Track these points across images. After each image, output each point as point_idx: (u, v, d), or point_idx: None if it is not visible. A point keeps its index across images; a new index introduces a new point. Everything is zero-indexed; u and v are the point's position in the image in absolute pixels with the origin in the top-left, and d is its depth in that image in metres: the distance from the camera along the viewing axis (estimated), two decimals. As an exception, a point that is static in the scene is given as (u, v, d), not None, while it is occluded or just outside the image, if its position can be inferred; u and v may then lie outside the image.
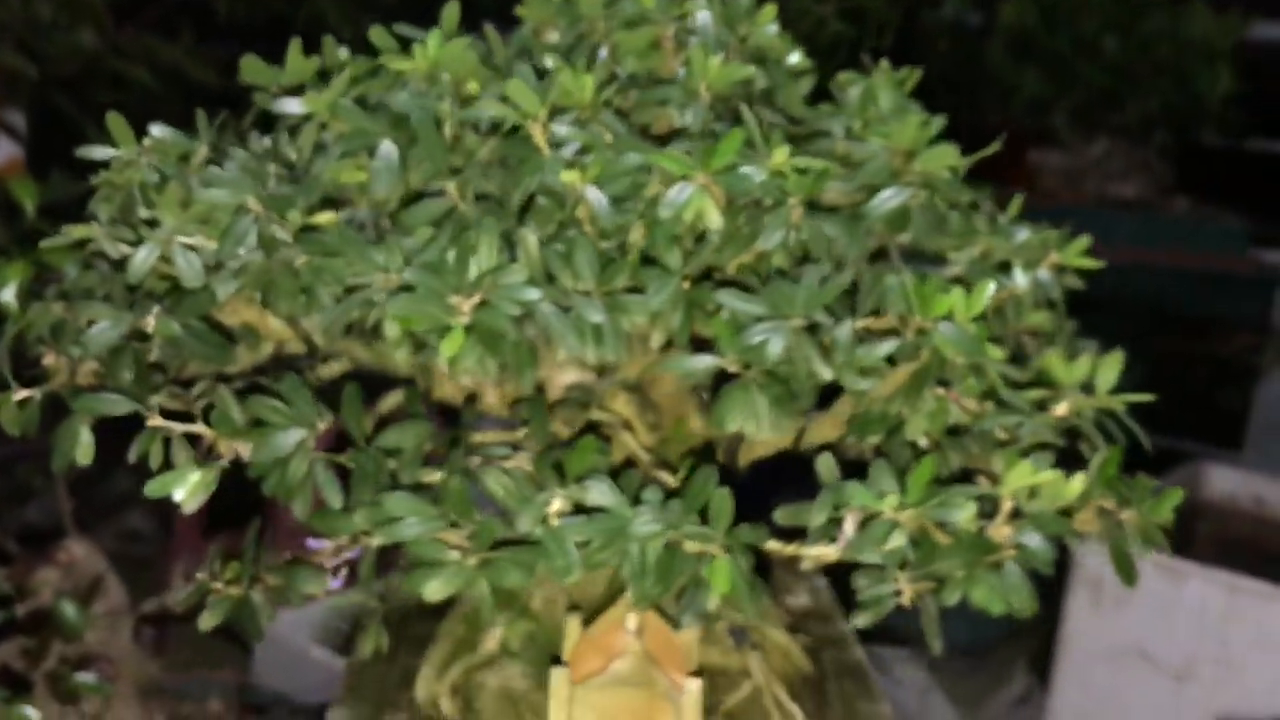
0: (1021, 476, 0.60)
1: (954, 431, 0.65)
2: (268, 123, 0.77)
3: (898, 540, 0.58)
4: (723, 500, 0.59)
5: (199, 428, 0.63)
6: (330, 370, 0.72)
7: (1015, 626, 2.31)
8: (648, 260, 0.62)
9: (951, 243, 0.70)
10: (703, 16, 0.71)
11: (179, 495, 0.61)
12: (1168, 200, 2.55)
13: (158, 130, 0.71)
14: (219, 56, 2.01)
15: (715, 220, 0.60)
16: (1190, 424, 3.12)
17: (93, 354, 0.65)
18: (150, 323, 0.64)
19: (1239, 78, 2.48)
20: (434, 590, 0.58)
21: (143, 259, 0.64)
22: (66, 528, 1.35)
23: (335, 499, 0.61)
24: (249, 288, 0.64)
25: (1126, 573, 0.64)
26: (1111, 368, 0.65)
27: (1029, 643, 2.39)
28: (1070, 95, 2.41)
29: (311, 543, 0.64)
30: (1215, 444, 3.00)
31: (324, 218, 0.63)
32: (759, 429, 0.61)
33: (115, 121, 0.70)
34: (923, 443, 0.65)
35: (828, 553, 0.61)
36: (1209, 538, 2.54)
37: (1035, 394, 0.66)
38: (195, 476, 0.62)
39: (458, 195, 0.63)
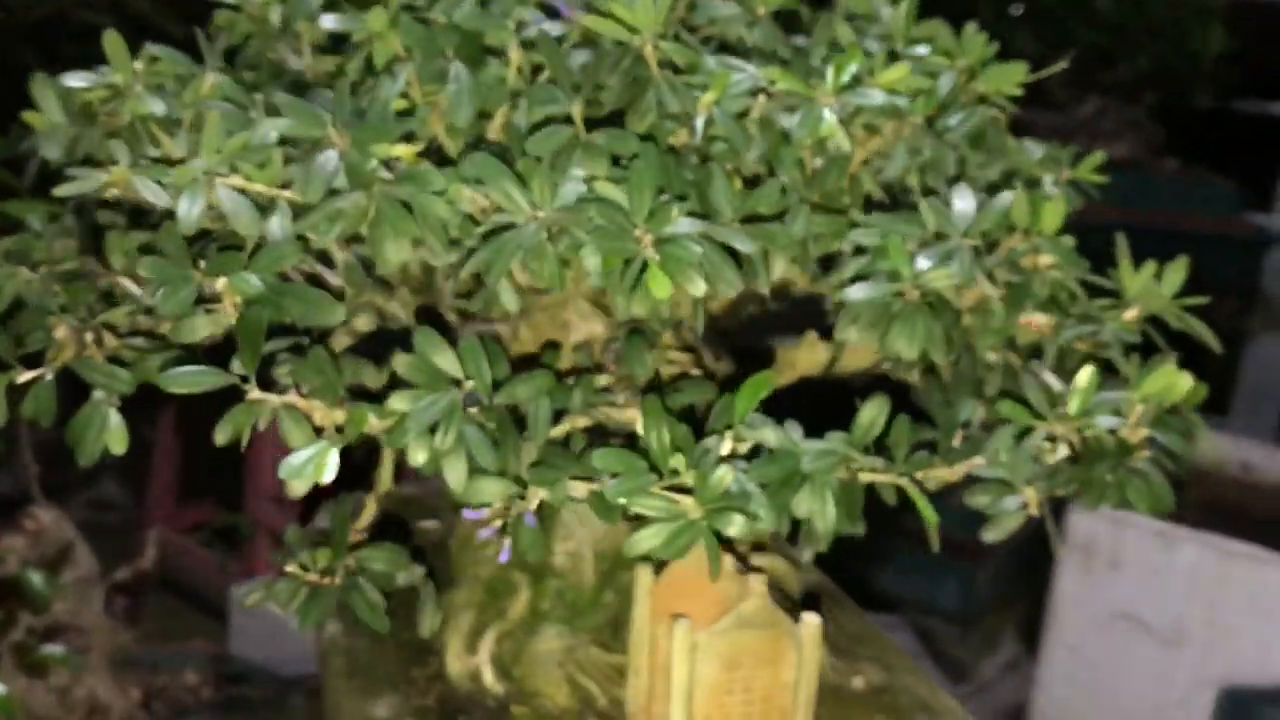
0: (1158, 380, 0.60)
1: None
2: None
3: (1061, 453, 0.60)
4: (903, 430, 0.60)
5: (297, 399, 0.55)
6: (361, 325, 0.66)
7: (1004, 593, 2.29)
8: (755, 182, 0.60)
9: (984, 159, 0.67)
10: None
11: (325, 478, 0.54)
12: (1159, 161, 2.52)
13: (157, 51, 0.62)
14: (187, 4, 1.95)
15: (845, 142, 0.58)
16: (1178, 389, 3.11)
17: (166, 317, 0.56)
18: (222, 283, 0.53)
19: (1232, 38, 2.45)
20: (661, 548, 0.54)
21: (188, 208, 0.53)
22: (34, 495, 1.29)
23: (488, 460, 0.55)
24: (349, 230, 0.54)
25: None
26: (1177, 273, 0.66)
27: (1018, 609, 2.37)
28: (1062, 54, 2.37)
29: (469, 513, 0.57)
30: (1202, 409, 2.99)
31: (402, 150, 0.54)
32: (912, 352, 0.59)
33: (113, 41, 0.61)
34: (992, 359, 0.65)
35: (979, 467, 0.62)
36: (1197, 503, 2.53)
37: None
38: (332, 453, 0.55)
39: (580, 121, 0.57)
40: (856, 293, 0.59)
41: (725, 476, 0.54)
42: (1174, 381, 0.60)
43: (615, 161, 0.56)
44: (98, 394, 0.57)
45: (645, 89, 0.57)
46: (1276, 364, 2.94)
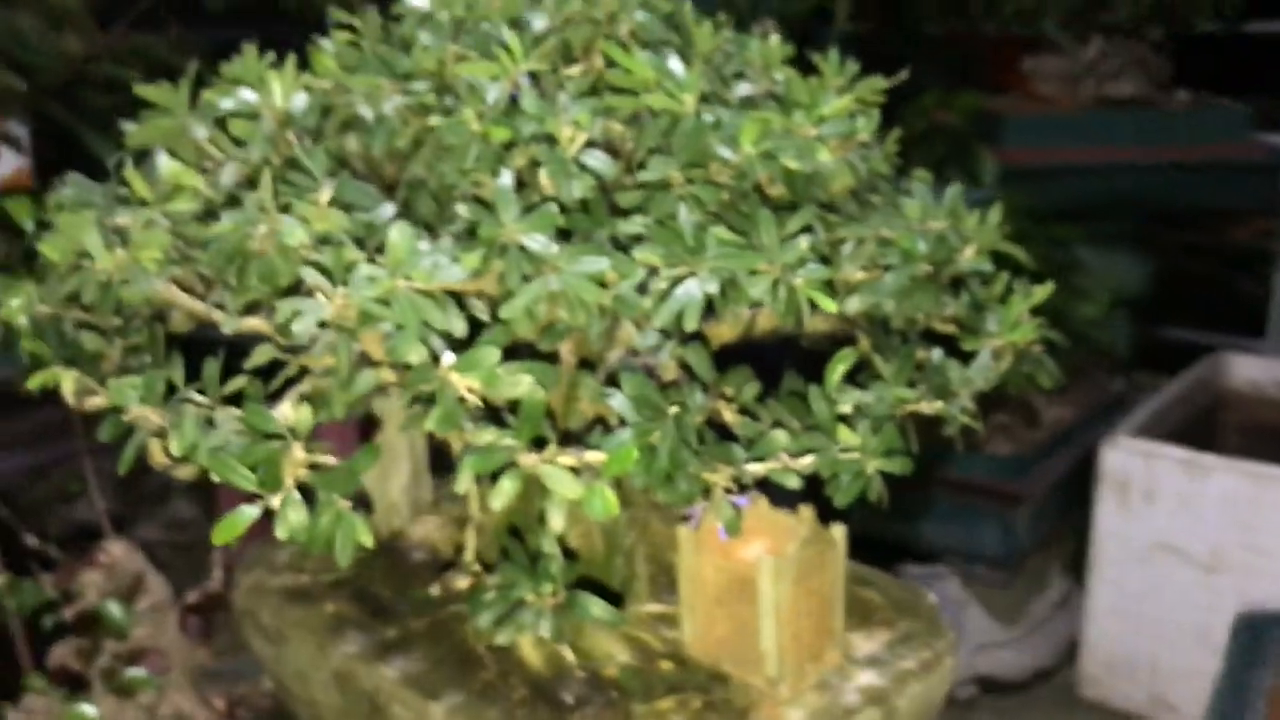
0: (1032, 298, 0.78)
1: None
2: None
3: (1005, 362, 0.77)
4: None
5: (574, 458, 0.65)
6: None
7: (1045, 533, 2.34)
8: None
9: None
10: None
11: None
12: (1167, 94, 2.52)
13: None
14: (205, 44, 2.03)
15: (829, 164, 0.70)
16: (1209, 315, 3.11)
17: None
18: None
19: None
20: (847, 497, 0.69)
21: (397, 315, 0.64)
22: (105, 529, 1.39)
23: (695, 467, 0.66)
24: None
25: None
26: (995, 213, 0.78)
27: (1062, 549, 2.42)
28: (1060, 1, 2.38)
29: (691, 511, 0.71)
30: (1236, 333, 3.00)
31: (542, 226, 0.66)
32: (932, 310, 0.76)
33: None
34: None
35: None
36: (1234, 427, 2.55)
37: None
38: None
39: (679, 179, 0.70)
40: (891, 279, 0.72)
41: (887, 431, 0.69)
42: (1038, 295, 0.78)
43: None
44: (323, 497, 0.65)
45: (700, 141, 0.68)
46: (1310, 281, 2.94)
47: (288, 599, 0.88)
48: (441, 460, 0.97)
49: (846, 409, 0.70)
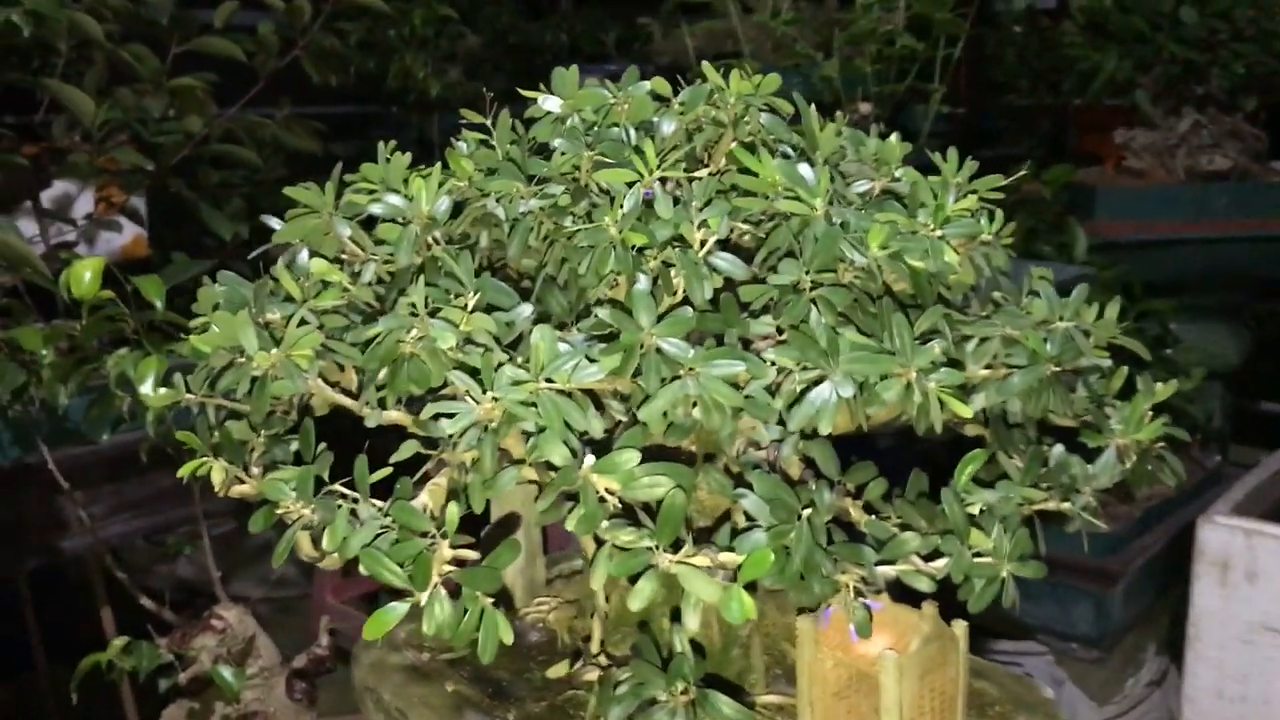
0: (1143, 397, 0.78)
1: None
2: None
3: (1130, 459, 0.78)
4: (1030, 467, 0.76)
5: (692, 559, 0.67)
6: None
7: (1140, 612, 2.30)
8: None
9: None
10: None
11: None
12: (1263, 166, 2.50)
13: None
14: (315, 126, 2.11)
15: (955, 264, 0.73)
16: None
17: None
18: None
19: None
20: (981, 602, 0.72)
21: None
22: (219, 594, 1.44)
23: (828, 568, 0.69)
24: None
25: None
26: (1113, 307, 0.80)
27: (1157, 627, 2.37)
28: (1151, 72, 2.38)
29: (824, 612, 0.74)
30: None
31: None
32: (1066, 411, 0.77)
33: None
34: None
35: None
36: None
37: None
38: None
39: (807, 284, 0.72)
40: (1018, 379, 0.73)
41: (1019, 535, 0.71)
42: (1142, 400, 0.78)
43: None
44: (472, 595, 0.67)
45: (832, 246, 0.70)
46: None
47: (409, 677, 0.90)
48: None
49: (975, 509, 0.71)
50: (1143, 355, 0.79)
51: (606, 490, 0.66)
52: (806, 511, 0.67)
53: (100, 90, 1.83)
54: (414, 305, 0.68)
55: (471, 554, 0.68)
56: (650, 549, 0.66)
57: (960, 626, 0.78)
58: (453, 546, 0.66)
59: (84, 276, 1.24)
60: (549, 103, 0.80)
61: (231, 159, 1.94)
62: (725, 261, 0.72)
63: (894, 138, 0.81)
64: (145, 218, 2.14)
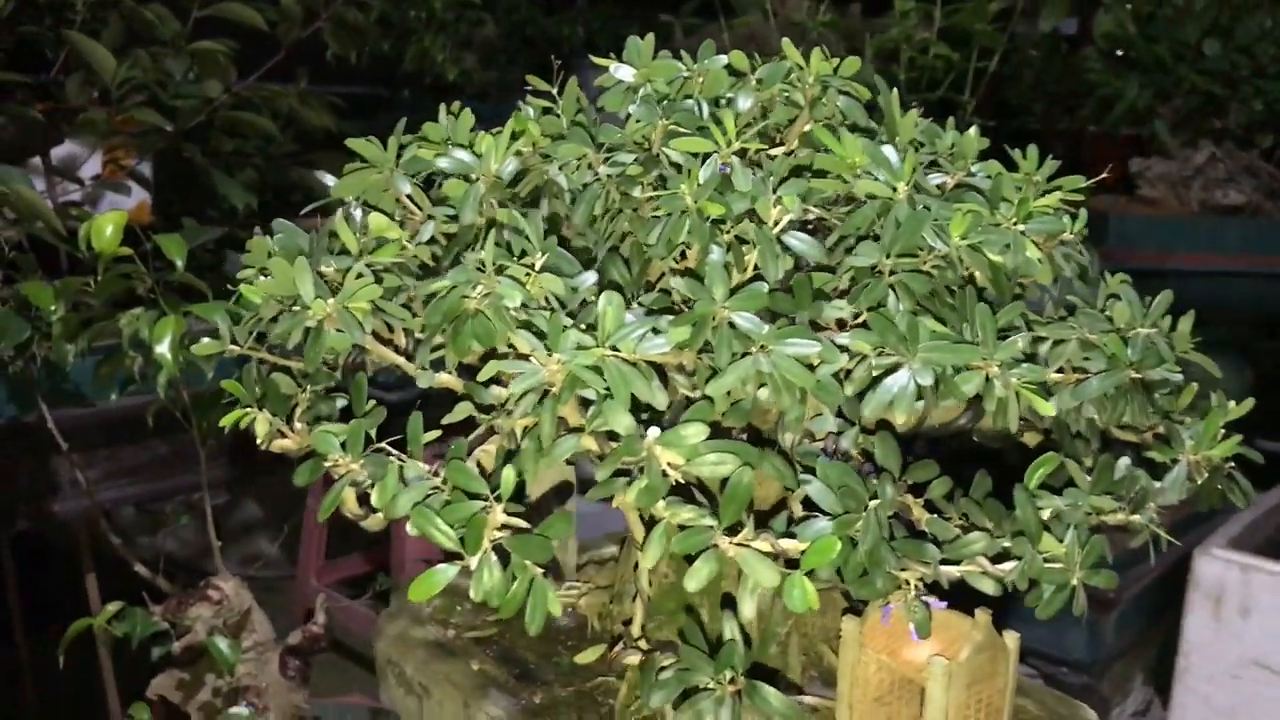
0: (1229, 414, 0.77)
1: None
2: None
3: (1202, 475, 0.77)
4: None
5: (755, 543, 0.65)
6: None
7: (1131, 640, 2.29)
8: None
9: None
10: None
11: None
12: (1276, 204, 2.51)
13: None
14: (331, 100, 2.08)
15: (1035, 258, 0.71)
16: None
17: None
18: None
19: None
20: (1051, 609, 0.69)
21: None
22: (217, 564, 1.40)
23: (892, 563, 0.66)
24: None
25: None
26: (1186, 323, 0.80)
27: (1145, 656, 2.36)
28: (1171, 102, 2.38)
29: (885, 609, 0.72)
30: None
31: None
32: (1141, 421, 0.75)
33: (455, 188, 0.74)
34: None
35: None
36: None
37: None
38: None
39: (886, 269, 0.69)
40: (1095, 383, 0.71)
41: (1096, 542, 0.68)
42: (1218, 416, 0.77)
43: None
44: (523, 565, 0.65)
45: (916, 231, 0.68)
46: None
47: (433, 653, 0.88)
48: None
49: (1044, 514, 0.69)
50: (1214, 373, 0.77)
51: (670, 465, 0.64)
52: (874, 502, 0.65)
53: (116, 50, 1.80)
54: (481, 262, 0.66)
55: (523, 523, 0.65)
56: (710, 528, 0.64)
57: (1013, 638, 0.76)
58: (506, 513, 0.64)
59: (106, 229, 1.21)
60: (621, 71, 0.78)
61: (247, 127, 1.91)
62: (800, 241, 0.70)
63: (973, 131, 0.79)
64: (151, 183, 2.11)
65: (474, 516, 0.63)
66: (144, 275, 1.30)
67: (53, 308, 1.40)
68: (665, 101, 0.77)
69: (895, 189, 0.69)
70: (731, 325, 0.65)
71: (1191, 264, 2.38)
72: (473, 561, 0.63)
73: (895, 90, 0.82)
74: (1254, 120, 2.39)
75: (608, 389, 0.63)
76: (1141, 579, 2.29)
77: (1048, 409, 0.65)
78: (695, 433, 0.64)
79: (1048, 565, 0.67)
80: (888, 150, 0.70)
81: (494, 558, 0.63)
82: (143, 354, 1.28)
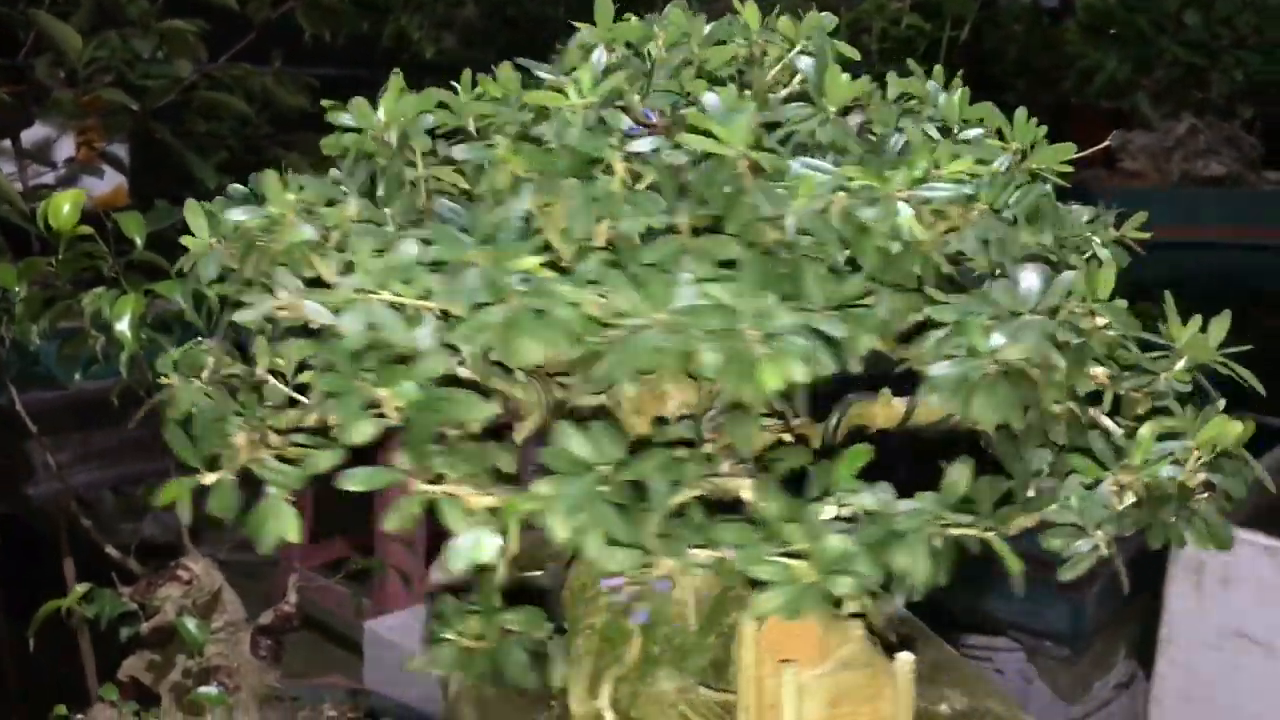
0: (1212, 429, 0.66)
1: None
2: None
3: (1128, 499, 0.66)
4: (984, 487, 0.65)
5: (457, 487, 0.62)
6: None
7: (1113, 613, 2.29)
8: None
9: (1037, 229, 0.72)
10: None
11: (486, 558, 0.61)
12: (1257, 174, 2.50)
13: (309, 184, 0.70)
14: (306, 80, 2.07)
15: (918, 231, 0.63)
16: (1289, 401, 3.05)
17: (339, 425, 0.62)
18: (385, 392, 0.61)
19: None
20: (782, 608, 0.60)
21: (351, 324, 0.61)
22: (185, 546, 1.40)
23: (621, 533, 0.60)
24: (494, 340, 0.60)
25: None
26: (1220, 326, 0.71)
27: (1129, 629, 2.36)
28: (1152, 74, 2.37)
29: (606, 581, 0.65)
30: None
31: (531, 263, 0.60)
32: (994, 419, 0.63)
33: (271, 180, 0.69)
34: (1057, 410, 0.69)
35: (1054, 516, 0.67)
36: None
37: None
38: (491, 536, 0.62)
39: (686, 229, 0.64)
40: (940, 369, 0.63)
41: (838, 543, 0.60)
42: (1226, 429, 0.66)
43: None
44: (271, 490, 0.65)
45: (741, 196, 0.63)
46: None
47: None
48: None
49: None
50: (1245, 379, 0.72)
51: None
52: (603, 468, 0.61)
53: (86, 31, 1.79)
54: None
55: None
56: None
57: (905, 661, 0.71)
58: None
59: (63, 208, 1.20)
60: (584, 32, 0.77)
61: (221, 108, 1.90)
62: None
63: (959, 94, 0.75)
64: (127, 166, 2.10)
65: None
66: (105, 255, 1.29)
67: (16, 288, 1.39)
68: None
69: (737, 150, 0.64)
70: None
71: (1173, 236, 2.37)
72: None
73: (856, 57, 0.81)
74: (1235, 91, 2.38)
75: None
76: (1124, 551, 2.29)
77: (774, 381, 0.58)
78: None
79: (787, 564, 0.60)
80: (710, 98, 0.66)
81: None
82: (105, 334, 1.28)
